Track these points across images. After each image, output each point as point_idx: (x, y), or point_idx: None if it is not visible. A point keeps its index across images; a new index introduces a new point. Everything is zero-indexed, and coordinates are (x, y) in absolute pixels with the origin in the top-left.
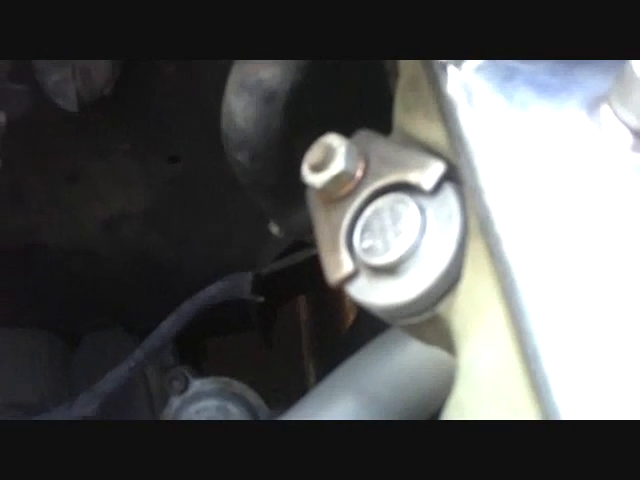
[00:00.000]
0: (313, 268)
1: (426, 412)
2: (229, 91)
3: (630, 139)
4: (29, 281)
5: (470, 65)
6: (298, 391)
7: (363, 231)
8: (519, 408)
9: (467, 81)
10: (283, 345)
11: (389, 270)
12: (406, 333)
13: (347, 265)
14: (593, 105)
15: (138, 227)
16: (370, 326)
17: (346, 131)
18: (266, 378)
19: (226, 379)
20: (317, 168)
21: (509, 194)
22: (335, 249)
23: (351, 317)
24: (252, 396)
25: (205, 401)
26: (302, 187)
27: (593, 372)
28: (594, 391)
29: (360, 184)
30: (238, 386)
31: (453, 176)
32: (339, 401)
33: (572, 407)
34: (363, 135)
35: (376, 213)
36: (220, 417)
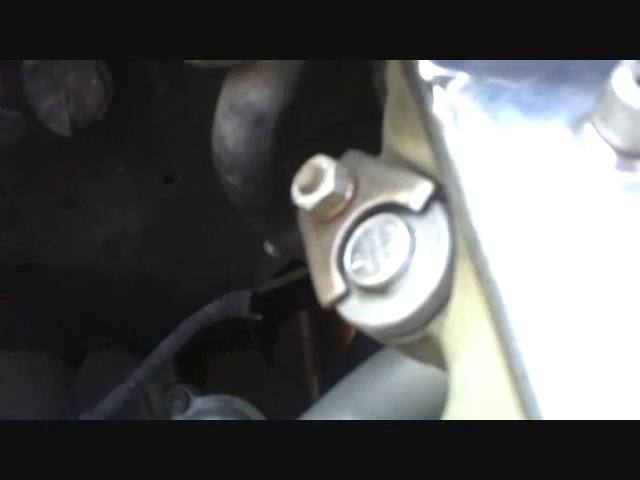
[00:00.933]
0: (310, 285)
1: None
2: (219, 114)
3: (614, 158)
4: (29, 303)
5: (455, 85)
6: (301, 407)
7: (354, 252)
8: None
9: (453, 101)
10: (286, 361)
11: (380, 290)
12: (400, 352)
13: (338, 286)
14: (577, 124)
15: (136, 248)
16: (372, 340)
17: (336, 151)
18: (269, 394)
19: (227, 396)
20: (307, 190)
21: (496, 215)
22: (326, 270)
23: (353, 332)
24: (253, 413)
25: (207, 419)
26: (294, 208)
27: (582, 392)
28: (582, 410)
29: (350, 205)
30: (239, 403)
31: (442, 196)
32: (338, 417)
33: None
34: (352, 156)
35: (366, 234)
36: None
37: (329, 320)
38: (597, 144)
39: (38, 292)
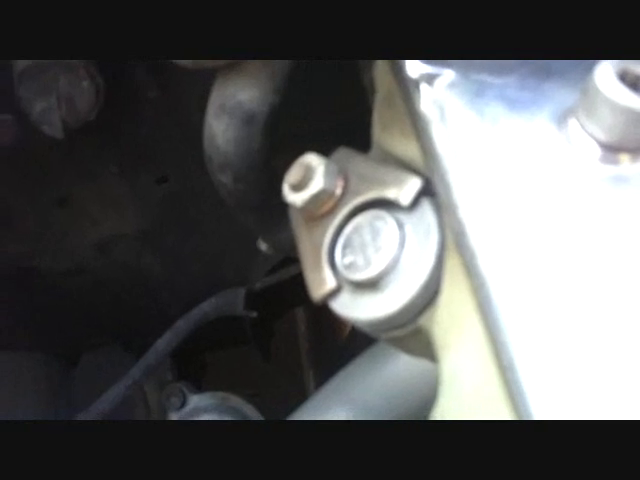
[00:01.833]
0: (304, 281)
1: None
2: (209, 114)
3: (598, 151)
4: (24, 304)
5: (442, 82)
6: (298, 402)
7: (344, 247)
8: (499, 418)
9: (439, 98)
10: (282, 357)
11: (371, 285)
12: (392, 346)
13: (330, 281)
14: (562, 119)
15: (131, 247)
16: (367, 335)
17: (327, 148)
18: (266, 390)
19: (223, 394)
20: (297, 187)
21: (483, 209)
22: (318, 266)
23: (348, 327)
24: (250, 409)
25: (203, 416)
26: (286, 205)
27: (568, 381)
28: (569, 400)
29: (340, 202)
30: (235, 400)
31: (430, 191)
32: (333, 411)
33: (547, 415)
34: (342, 153)
35: (356, 229)
36: None
37: (325, 316)
38: (582, 138)
39: (33, 293)
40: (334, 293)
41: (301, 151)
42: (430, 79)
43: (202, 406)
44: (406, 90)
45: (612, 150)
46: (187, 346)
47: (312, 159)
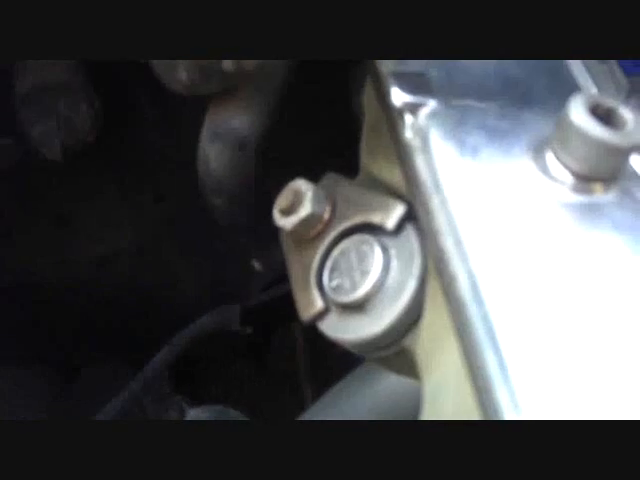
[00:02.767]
0: None
1: None
2: (203, 139)
3: (571, 180)
4: (25, 319)
5: (425, 111)
6: (296, 416)
7: (332, 271)
8: None
9: (422, 127)
10: (281, 371)
11: (357, 307)
12: (379, 365)
13: (318, 303)
14: (538, 149)
15: (128, 264)
16: None
17: (317, 173)
18: (264, 404)
19: (220, 407)
20: (286, 212)
21: (462, 236)
22: (306, 288)
23: None
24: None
25: None
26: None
27: (542, 404)
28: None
29: (328, 226)
30: (233, 414)
31: (414, 216)
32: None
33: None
34: (330, 178)
35: (343, 253)
36: None
37: None
38: (556, 168)
39: (33, 308)
40: (322, 314)
41: (292, 175)
42: (414, 108)
43: (199, 419)
44: (391, 118)
45: (585, 180)
46: (185, 360)
47: (301, 184)
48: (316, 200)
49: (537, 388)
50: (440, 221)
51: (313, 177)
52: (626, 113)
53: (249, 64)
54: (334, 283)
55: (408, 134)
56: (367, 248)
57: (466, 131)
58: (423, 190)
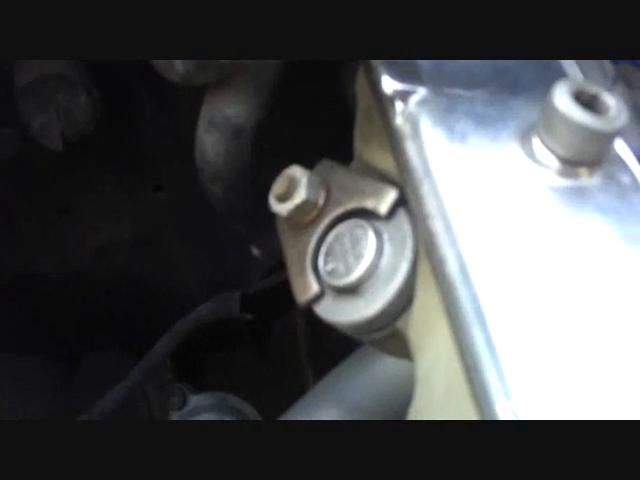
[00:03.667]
0: None
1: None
2: (200, 128)
3: (557, 165)
4: (27, 308)
5: (415, 99)
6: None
7: (327, 255)
8: (467, 417)
9: (412, 114)
10: (282, 356)
11: (351, 290)
12: (374, 347)
13: (313, 287)
14: (525, 134)
15: (128, 253)
16: None
17: (313, 159)
18: (266, 390)
19: (222, 394)
20: (282, 198)
21: (451, 220)
22: (302, 272)
23: None
24: (248, 409)
25: (203, 415)
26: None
27: (530, 381)
28: (532, 400)
29: (322, 211)
30: (234, 400)
31: (406, 201)
32: (323, 410)
33: (509, 415)
34: (325, 165)
35: (338, 238)
36: None
37: None
38: (542, 153)
39: (35, 297)
40: (317, 298)
41: (289, 161)
42: (404, 96)
43: (202, 406)
44: (382, 106)
45: (571, 164)
46: (187, 347)
47: (296, 171)
48: (311, 186)
49: (524, 366)
50: (430, 205)
51: (309, 164)
52: (609, 99)
53: None
54: (329, 267)
55: (399, 121)
56: (361, 233)
57: (455, 118)
58: (413, 175)
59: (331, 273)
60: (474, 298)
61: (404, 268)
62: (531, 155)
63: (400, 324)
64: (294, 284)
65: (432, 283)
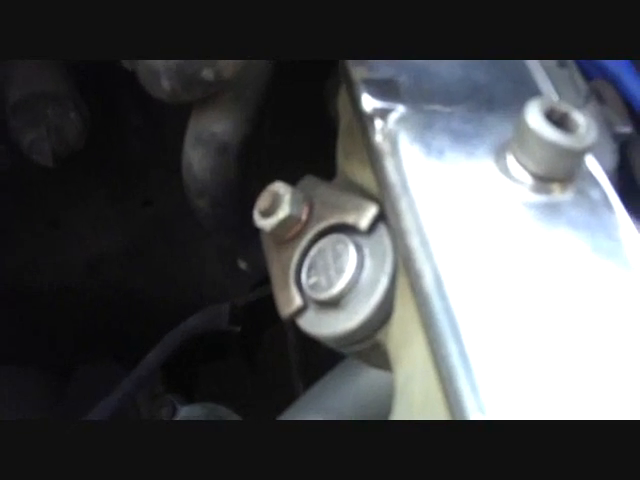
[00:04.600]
0: None
1: None
2: (187, 144)
3: (530, 181)
4: (20, 320)
5: (394, 116)
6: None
7: (309, 269)
8: None
9: (391, 132)
10: (272, 368)
11: (333, 304)
12: (356, 359)
13: (297, 300)
14: (500, 151)
15: (118, 266)
16: None
17: (297, 174)
18: (256, 401)
19: (212, 405)
20: (266, 214)
21: (428, 235)
22: (286, 286)
23: None
24: (236, 419)
25: None
26: None
27: (502, 392)
28: (503, 412)
29: (305, 226)
30: (223, 411)
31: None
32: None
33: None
34: (308, 181)
35: (320, 252)
36: None
37: None
38: (516, 170)
39: (28, 310)
40: (301, 311)
41: (275, 178)
42: (383, 114)
43: (192, 417)
44: (362, 123)
45: (543, 180)
46: (178, 359)
47: (279, 187)
48: (294, 202)
49: (496, 377)
50: (408, 221)
51: (294, 180)
52: (579, 117)
53: (227, 73)
54: (311, 281)
55: (378, 138)
56: (342, 247)
57: (432, 135)
58: (392, 192)
59: (313, 287)
60: (449, 311)
61: (384, 282)
62: (505, 171)
63: (380, 336)
64: (278, 297)
65: (410, 297)
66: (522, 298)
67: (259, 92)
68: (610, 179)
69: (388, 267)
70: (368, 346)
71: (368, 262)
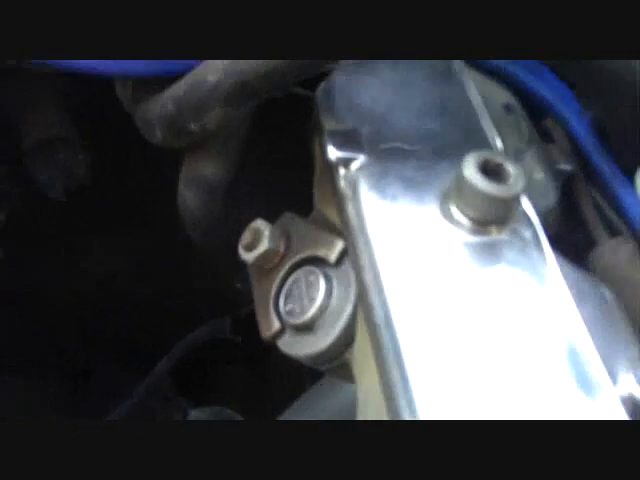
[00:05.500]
0: None
1: None
2: (181, 184)
3: (469, 224)
4: (35, 331)
5: (355, 165)
6: None
7: (286, 297)
8: None
9: (353, 178)
10: (282, 373)
11: (305, 328)
12: (331, 376)
13: (275, 324)
14: (444, 197)
15: (127, 284)
16: None
17: (279, 210)
18: (266, 406)
19: (219, 408)
20: (248, 248)
21: (380, 271)
22: (266, 311)
23: None
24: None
25: None
26: None
27: (436, 410)
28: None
29: (283, 259)
30: (230, 414)
31: None
32: None
33: None
34: (286, 217)
35: (295, 282)
36: None
37: None
38: (457, 214)
39: (44, 323)
40: (279, 334)
41: (259, 211)
42: (346, 162)
43: (201, 419)
44: (329, 170)
45: (480, 223)
46: (187, 366)
47: (260, 224)
48: (272, 238)
49: (430, 396)
50: (364, 259)
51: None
52: (510, 167)
53: (211, 124)
54: (288, 307)
55: (342, 184)
56: (314, 278)
57: (387, 182)
58: (352, 232)
59: (289, 313)
60: (394, 341)
61: (348, 310)
62: (448, 216)
63: (346, 357)
64: (260, 321)
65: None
66: (458, 330)
67: (242, 138)
68: (551, 214)
69: (352, 296)
70: (338, 364)
71: (335, 291)
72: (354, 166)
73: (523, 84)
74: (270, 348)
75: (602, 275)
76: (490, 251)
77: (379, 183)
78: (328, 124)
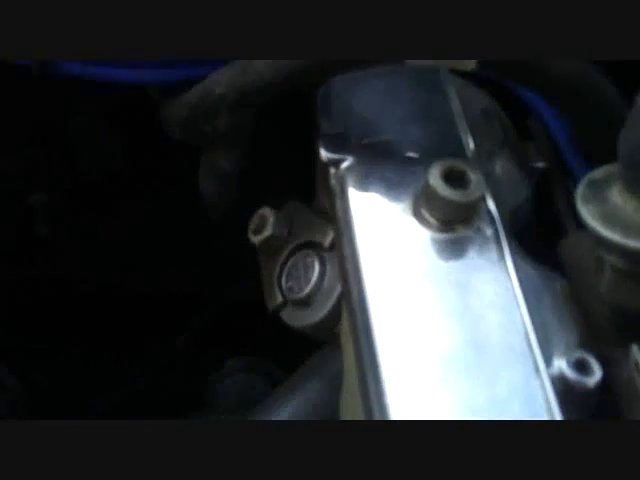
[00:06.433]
0: None
1: None
2: (200, 174)
3: (436, 224)
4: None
5: (344, 165)
6: None
7: (287, 276)
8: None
9: (341, 177)
10: None
11: (302, 303)
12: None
13: (278, 298)
14: (416, 198)
15: (146, 274)
16: None
17: (285, 198)
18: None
19: (253, 358)
20: (255, 232)
21: (360, 262)
22: (271, 287)
23: None
24: (274, 370)
25: (238, 375)
26: None
27: (405, 391)
28: (406, 406)
29: (285, 243)
30: (263, 362)
31: None
32: (283, 409)
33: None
34: (291, 205)
35: (294, 264)
36: (247, 387)
37: None
38: (426, 214)
39: (68, 309)
40: (281, 307)
41: (269, 199)
42: (336, 163)
43: (236, 367)
44: (322, 169)
45: (445, 223)
46: (223, 320)
47: (266, 211)
48: (276, 224)
49: (399, 387)
50: (347, 249)
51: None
52: (472, 175)
53: (222, 126)
54: (288, 285)
55: (332, 182)
56: (310, 260)
57: (370, 182)
58: (338, 225)
59: (289, 289)
60: (367, 325)
61: (338, 288)
62: (418, 215)
63: (337, 330)
64: (266, 295)
65: None
66: (427, 318)
67: (247, 136)
68: (522, 208)
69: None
70: (331, 334)
71: (328, 272)
72: (343, 166)
73: (504, 84)
74: None
75: (568, 265)
76: (454, 247)
77: (363, 183)
78: (323, 126)
